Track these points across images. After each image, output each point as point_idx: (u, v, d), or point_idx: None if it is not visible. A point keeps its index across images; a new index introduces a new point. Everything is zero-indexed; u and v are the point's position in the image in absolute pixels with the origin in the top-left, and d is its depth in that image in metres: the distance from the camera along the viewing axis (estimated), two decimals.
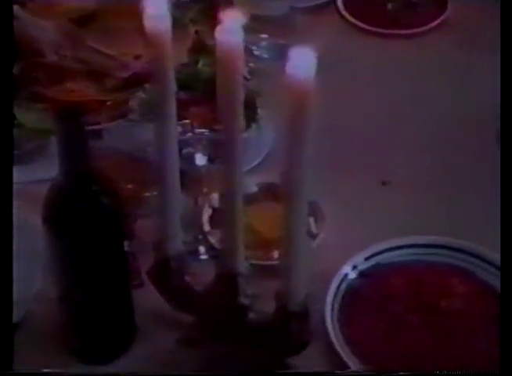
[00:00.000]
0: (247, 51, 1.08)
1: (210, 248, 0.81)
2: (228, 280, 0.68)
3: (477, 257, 0.77)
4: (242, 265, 0.68)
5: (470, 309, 0.73)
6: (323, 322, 0.72)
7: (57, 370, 0.68)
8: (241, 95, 0.61)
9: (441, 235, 0.80)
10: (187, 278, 0.70)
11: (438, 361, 0.70)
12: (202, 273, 0.72)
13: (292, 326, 0.66)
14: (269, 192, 0.85)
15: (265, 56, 1.05)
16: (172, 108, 0.66)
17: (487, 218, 0.83)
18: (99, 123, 0.90)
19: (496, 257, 0.76)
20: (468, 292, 0.75)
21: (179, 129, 0.82)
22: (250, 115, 0.94)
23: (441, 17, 1.05)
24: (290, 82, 0.56)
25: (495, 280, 0.76)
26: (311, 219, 0.83)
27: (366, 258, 0.77)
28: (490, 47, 1.01)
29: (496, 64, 1.01)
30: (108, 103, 0.92)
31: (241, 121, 0.62)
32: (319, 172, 0.80)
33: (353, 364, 0.69)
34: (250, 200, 0.85)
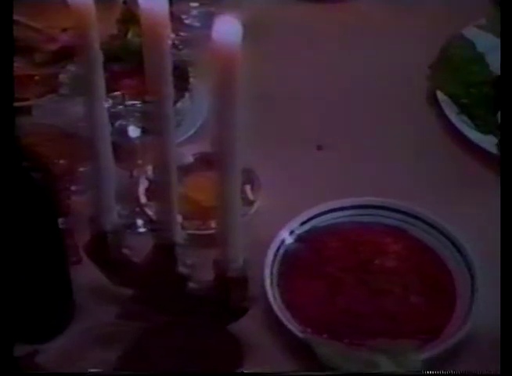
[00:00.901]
0: (178, 20, 1.08)
1: (148, 221, 0.81)
2: (165, 250, 0.67)
3: (409, 215, 0.79)
4: (179, 235, 0.68)
5: (404, 265, 0.75)
6: (263, 287, 0.73)
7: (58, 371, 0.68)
8: (169, 64, 0.61)
9: (376, 196, 0.81)
10: (125, 251, 0.70)
11: (375, 318, 0.71)
12: (141, 246, 0.72)
13: (231, 293, 0.66)
14: (205, 161, 0.85)
15: (196, 24, 1.04)
16: (100, 80, 0.65)
17: (420, 177, 0.85)
18: (28, 99, 0.88)
19: (427, 214, 0.78)
20: (401, 250, 0.76)
21: (110, 102, 0.82)
22: (183, 85, 0.93)
23: None
24: (216, 49, 0.56)
25: (426, 237, 0.77)
26: (248, 187, 0.83)
27: (302, 223, 0.78)
28: (423, 9, 1.04)
29: (429, 25, 1.04)
30: (36, 78, 0.90)
31: (171, 90, 0.62)
32: (254, 139, 0.81)
33: (293, 328, 0.70)
34: (187, 170, 0.85)
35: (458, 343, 0.69)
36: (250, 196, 0.83)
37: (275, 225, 0.79)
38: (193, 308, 0.69)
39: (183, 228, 0.72)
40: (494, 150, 0.85)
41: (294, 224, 0.78)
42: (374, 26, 1.03)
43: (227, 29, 0.55)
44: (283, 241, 0.77)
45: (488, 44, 0.95)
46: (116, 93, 0.82)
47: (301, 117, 0.93)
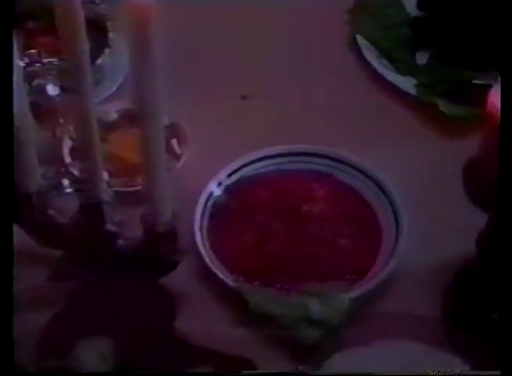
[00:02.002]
0: None
1: (74, 181, 0.80)
2: (92, 209, 0.67)
3: (334, 159, 0.80)
4: (105, 193, 0.68)
5: (331, 209, 0.76)
6: (193, 240, 0.74)
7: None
8: (81, 20, 0.59)
9: (301, 143, 0.82)
10: (51, 212, 0.70)
11: (304, 263, 0.72)
12: (68, 207, 0.72)
13: (160, 246, 0.67)
14: (130, 117, 0.84)
15: None
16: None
17: (342, 121, 0.86)
18: None
19: (351, 157, 0.79)
20: (328, 194, 0.78)
21: (26, 60, 0.80)
22: (102, 40, 0.91)
23: None
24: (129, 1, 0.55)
25: (351, 180, 0.79)
26: (174, 141, 0.83)
27: (230, 174, 0.79)
28: None
29: None
30: None
31: (85, 46, 0.61)
32: (177, 92, 0.81)
33: (225, 277, 0.71)
34: (111, 127, 0.84)
35: (383, 282, 0.71)
36: (177, 150, 0.83)
37: (203, 178, 0.79)
38: (124, 264, 0.69)
39: (110, 186, 0.72)
40: (413, 91, 0.87)
41: (222, 176, 0.79)
42: None
43: None
44: (211, 193, 0.78)
45: None
46: (32, 51, 0.80)
47: (224, 67, 0.92)
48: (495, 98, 0.63)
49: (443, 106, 0.84)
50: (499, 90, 0.61)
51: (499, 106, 0.62)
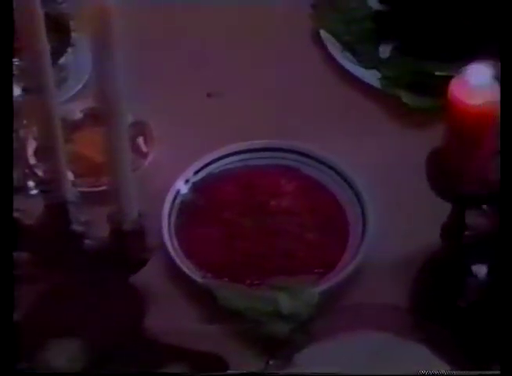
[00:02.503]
0: None
1: (39, 182, 0.79)
2: (58, 210, 0.67)
3: (301, 154, 0.80)
4: (71, 193, 0.67)
5: (299, 204, 0.77)
6: (161, 238, 0.74)
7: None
8: (40, 18, 0.59)
9: (267, 138, 0.82)
10: (16, 215, 0.69)
11: (273, 258, 0.73)
12: (34, 208, 0.71)
13: (128, 245, 0.66)
14: (95, 116, 0.84)
15: None
16: None
17: (308, 116, 0.86)
18: None
19: (318, 151, 0.80)
20: (295, 189, 0.78)
21: None
22: (65, 39, 0.91)
23: None
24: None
25: (318, 174, 0.79)
26: (141, 139, 0.83)
27: (197, 171, 0.78)
28: None
29: None
30: None
31: (45, 46, 0.60)
32: (143, 89, 0.81)
33: (193, 274, 0.71)
34: (76, 126, 0.84)
35: (351, 275, 0.71)
36: (144, 148, 0.83)
37: (170, 176, 0.79)
38: (92, 264, 0.69)
39: (75, 186, 0.71)
40: (377, 83, 0.87)
41: (189, 173, 0.78)
42: None
43: None
44: (178, 191, 0.78)
45: None
46: None
47: (189, 64, 0.92)
48: (455, 88, 0.63)
49: (406, 97, 0.85)
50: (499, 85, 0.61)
51: (462, 96, 0.63)
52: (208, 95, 0.90)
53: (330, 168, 0.79)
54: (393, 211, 0.75)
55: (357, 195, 0.76)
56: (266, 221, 0.75)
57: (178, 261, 0.72)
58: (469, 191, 0.63)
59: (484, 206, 0.66)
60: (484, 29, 0.88)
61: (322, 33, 0.93)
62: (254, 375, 0.67)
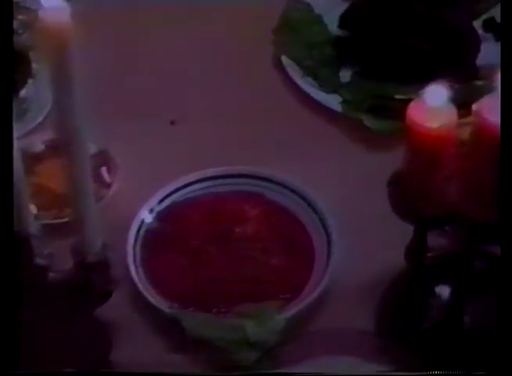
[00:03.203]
0: (15, 4, 1.04)
1: None
2: (20, 243, 0.66)
3: (265, 179, 0.80)
4: (33, 226, 0.67)
5: (264, 229, 0.77)
6: (126, 269, 0.73)
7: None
8: None
9: (231, 164, 0.82)
10: None
11: (239, 285, 0.73)
12: None
13: (93, 277, 0.66)
14: (56, 148, 0.83)
15: (34, 7, 1.01)
16: None
17: (271, 141, 0.86)
18: None
19: (281, 176, 0.80)
20: (260, 214, 0.78)
21: None
22: (25, 71, 0.91)
23: None
24: (45, 28, 0.54)
25: (283, 199, 0.79)
26: (104, 169, 0.83)
27: (161, 200, 0.78)
28: None
29: None
30: None
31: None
32: (105, 120, 0.80)
33: (160, 305, 0.71)
34: (38, 158, 0.83)
35: (317, 299, 0.71)
36: (107, 178, 0.82)
37: (134, 205, 0.79)
38: (56, 297, 0.68)
39: (38, 219, 0.71)
40: (338, 107, 0.88)
41: (153, 202, 0.78)
42: None
43: (55, 8, 0.54)
44: (142, 221, 0.77)
45: (324, 5, 0.97)
46: None
47: (151, 93, 0.92)
48: (413, 111, 0.64)
49: (368, 121, 0.86)
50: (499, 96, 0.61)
51: (419, 119, 0.64)
52: (171, 122, 0.90)
53: (294, 192, 0.80)
54: (357, 234, 0.75)
55: (321, 219, 0.77)
56: (231, 247, 0.75)
57: (144, 291, 0.71)
58: (430, 213, 0.63)
59: (446, 227, 0.67)
60: (441, 52, 0.89)
61: (284, 59, 0.93)
62: (254, 375, 0.67)
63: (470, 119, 0.64)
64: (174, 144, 0.87)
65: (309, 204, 0.78)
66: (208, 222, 0.77)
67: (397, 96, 0.86)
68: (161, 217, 0.78)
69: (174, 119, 0.90)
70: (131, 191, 0.81)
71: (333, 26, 0.96)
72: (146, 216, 0.78)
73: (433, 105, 0.62)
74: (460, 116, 0.63)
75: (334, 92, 0.90)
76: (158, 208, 0.78)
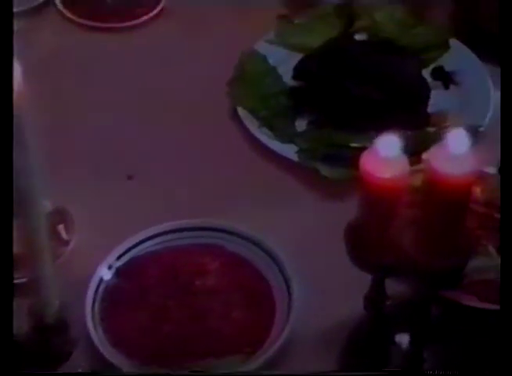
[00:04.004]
0: None
1: None
2: None
3: (224, 231, 0.81)
4: None
5: (224, 282, 0.77)
6: (85, 328, 0.72)
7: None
8: None
9: (190, 217, 0.82)
10: None
11: (200, 340, 0.72)
12: None
13: (51, 338, 0.65)
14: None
15: None
16: None
17: (229, 192, 0.87)
18: None
19: (241, 227, 0.80)
20: (220, 267, 0.78)
21: None
22: None
23: (161, 5, 1.07)
24: None
25: (243, 250, 0.79)
26: (61, 226, 0.82)
27: (120, 256, 0.78)
28: (208, 29, 1.07)
29: (223, 43, 1.06)
30: None
31: None
32: (61, 176, 0.80)
33: (120, 364, 0.70)
34: None
35: (279, 351, 0.71)
36: (65, 235, 0.82)
37: (93, 263, 0.78)
38: (13, 359, 0.67)
39: None
40: (295, 157, 0.89)
41: (111, 258, 0.78)
42: (172, 49, 1.04)
43: None
44: (101, 278, 0.77)
45: (278, 56, 0.99)
46: None
47: (108, 148, 0.92)
48: (366, 161, 0.65)
49: (324, 170, 0.87)
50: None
51: (372, 169, 0.64)
52: (129, 177, 0.90)
53: (253, 243, 0.80)
54: (317, 283, 0.75)
55: (281, 269, 0.77)
56: (192, 302, 0.75)
57: (103, 350, 0.71)
58: (386, 262, 0.64)
59: (403, 275, 0.67)
60: (393, 100, 0.91)
61: (239, 110, 0.95)
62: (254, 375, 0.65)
63: (422, 166, 0.66)
64: (132, 199, 0.86)
65: (269, 255, 0.78)
66: (168, 277, 0.77)
67: (352, 145, 0.88)
68: (120, 273, 0.77)
69: (132, 174, 0.90)
70: (90, 248, 0.80)
71: (287, 77, 0.97)
72: (105, 273, 0.77)
73: (385, 155, 0.63)
74: (413, 163, 0.64)
75: (290, 141, 0.91)
76: (117, 264, 0.78)
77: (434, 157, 0.59)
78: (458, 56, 0.98)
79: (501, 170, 0.60)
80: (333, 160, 0.87)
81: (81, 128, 0.94)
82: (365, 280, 0.68)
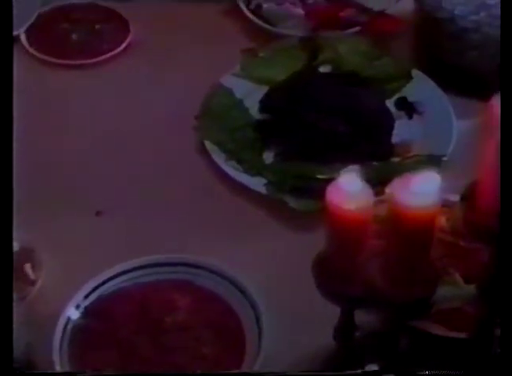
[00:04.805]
0: None
1: None
2: None
3: (193, 266, 0.80)
4: None
5: (194, 318, 0.76)
6: (52, 368, 0.71)
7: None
8: None
9: (159, 253, 0.82)
10: None
11: None
12: None
13: None
14: None
15: None
16: None
17: (198, 226, 0.87)
18: None
19: (210, 262, 0.80)
20: (190, 302, 0.77)
21: None
22: None
23: (127, 40, 1.08)
24: None
25: (212, 285, 0.79)
26: (28, 266, 0.81)
27: (87, 295, 0.77)
28: (174, 64, 1.08)
29: (190, 78, 1.07)
30: None
31: None
32: (27, 215, 0.80)
33: None
34: None
35: None
36: (32, 275, 0.81)
37: (60, 302, 0.77)
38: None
39: None
40: (263, 189, 0.89)
41: (79, 297, 0.77)
42: (139, 83, 1.05)
43: None
44: (69, 317, 0.76)
45: (245, 90, 1.00)
46: None
47: (75, 185, 0.92)
48: (331, 193, 0.65)
49: (292, 202, 0.87)
50: None
51: (337, 201, 0.65)
52: (97, 213, 0.90)
53: (223, 277, 0.79)
54: (287, 316, 0.75)
55: (251, 303, 0.76)
56: (162, 339, 0.74)
57: None
58: (354, 293, 0.64)
59: (371, 306, 0.67)
60: (358, 132, 0.92)
61: (207, 143, 0.95)
62: (254, 375, 0.64)
63: (386, 196, 0.66)
64: (100, 235, 0.86)
65: (238, 289, 0.78)
66: (137, 314, 0.76)
67: (319, 176, 0.89)
68: (88, 312, 0.76)
69: (100, 210, 0.90)
70: (57, 287, 0.79)
71: (254, 110, 0.98)
72: (73, 312, 0.76)
73: (349, 187, 0.64)
74: (378, 194, 0.65)
75: (258, 174, 0.91)
76: (85, 303, 0.77)
77: (396, 190, 0.60)
78: (420, 87, 0.99)
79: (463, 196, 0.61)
80: (301, 192, 0.88)
81: (47, 165, 0.93)
82: (334, 311, 0.69)
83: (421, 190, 0.58)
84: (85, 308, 0.77)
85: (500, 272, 0.59)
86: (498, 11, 0.96)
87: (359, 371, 0.64)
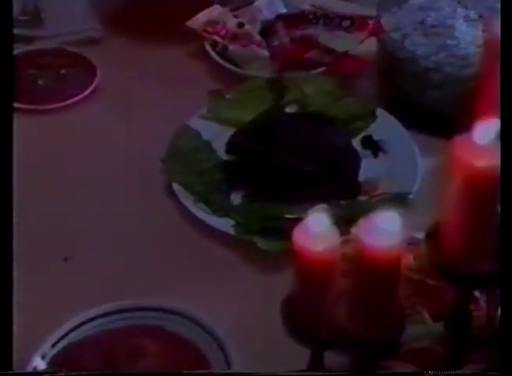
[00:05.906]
0: None
1: None
2: None
3: (163, 310, 0.79)
4: None
5: (164, 364, 0.75)
6: None
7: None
8: None
9: (128, 298, 0.81)
10: None
11: None
12: None
13: None
14: None
15: None
16: None
17: (167, 270, 0.86)
18: None
19: (179, 306, 0.79)
20: (160, 348, 0.76)
21: None
22: None
23: (93, 84, 1.08)
24: None
25: (182, 329, 0.78)
26: None
27: (54, 344, 0.76)
28: (141, 107, 1.08)
29: (157, 120, 1.07)
30: None
31: None
32: None
33: None
34: None
35: None
36: None
37: (26, 352, 0.75)
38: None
39: None
40: (231, 231, 0.89)
41: (45, 347, 0.76)
42: (106, 127, 1.05)
43: None
44: (35, 368, 0.74)
45: (212, 131, 1.01)
46: None
47: (42, 231, 0.91)
48: (297, 234, 0.65)
49: (260, 242, 0.87)
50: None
51: (304, 242, 0.65)
52: (65, 259, 0.88)
53: (192, 321, 0.78)
54: (257, 359, 0.74)
55: (220, 347, 0.76)
56: None
57: None
58: (322, 335, 0.63)
59: (340, 347, 0.67)
60: (324, 171, 0.93)
61: (175, 186, 0.94)
62: (253, 375, 0.64)
63: (352, 236, 0.66)
64: (68, 282, 0.85)
65: (208, 333, 0.77)
66: (106, 361, 0.75)
67: (287, 216, 0.89)
68: (55, 361, 0.75)
69: (68, 256, 0.89)
70: (23, 337, 0.78)
71: (221, 151, 0.99)
72: (39, 363, 0.75)
73: (315, 229, 0.63)
74: (346, 233, 0.65)
75: (226, 215, 0.91)
76: (52, 353, 0.76)
77: (361, 230, 0.60)
78: (385, 126, 1.01)
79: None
80: (269, 232, 0.87)
81: (14, 210, 0.93)
82: (304, 353, 0.68)
83: (383, 230, 0.58)
84: (52, 357, 0.75)
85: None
86: (459, 51, 0.98)
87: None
